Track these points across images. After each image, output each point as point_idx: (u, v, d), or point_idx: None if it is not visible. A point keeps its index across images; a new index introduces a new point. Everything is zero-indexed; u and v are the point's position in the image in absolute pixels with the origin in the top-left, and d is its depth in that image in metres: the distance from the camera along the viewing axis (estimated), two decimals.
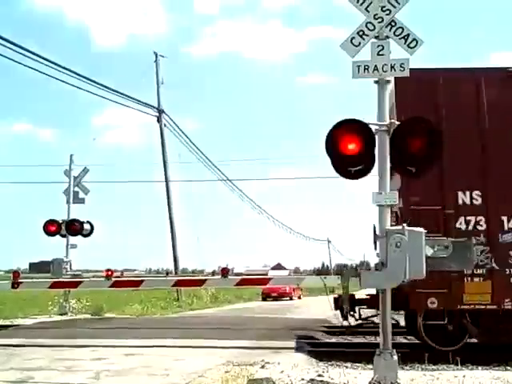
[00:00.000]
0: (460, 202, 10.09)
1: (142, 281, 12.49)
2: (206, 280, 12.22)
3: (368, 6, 7.15)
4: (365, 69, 7.00)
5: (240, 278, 11.92)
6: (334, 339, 13.36)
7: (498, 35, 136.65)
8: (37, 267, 18.38)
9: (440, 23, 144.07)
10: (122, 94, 26.69)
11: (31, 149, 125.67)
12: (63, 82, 20.29)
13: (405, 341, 13.07)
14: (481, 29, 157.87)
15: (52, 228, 19.39)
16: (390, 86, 7.17)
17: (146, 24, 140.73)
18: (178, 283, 13.96)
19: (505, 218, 10.05)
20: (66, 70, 19.74)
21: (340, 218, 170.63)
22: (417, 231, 6.67)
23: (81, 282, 12.97)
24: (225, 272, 11.50)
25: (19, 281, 12.13)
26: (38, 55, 17.60)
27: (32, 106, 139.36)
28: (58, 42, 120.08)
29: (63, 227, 19.55)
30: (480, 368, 9.76)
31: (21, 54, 16.67)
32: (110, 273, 12.19)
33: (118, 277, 13.42)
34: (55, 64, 18.73)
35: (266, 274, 47.23)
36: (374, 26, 7.09)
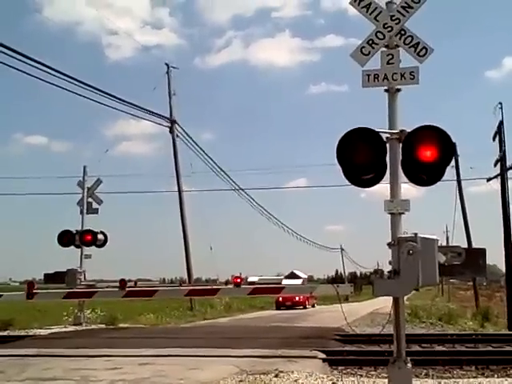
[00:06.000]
0: None
1: (156, 291, 12.53)
2: (218, 289, 12.19)
3: (377, 16, 7.17)
4: (375, 78, 7.02)
5: (253, 287, 11.88)
6: (347, 347, 13.31)
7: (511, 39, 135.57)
8: (51, 278, 18.47)
9: (450, 27, 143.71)
10: (134, 105, 26.93)
11: (45, 160, 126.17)
12: (77, 94, 20.54)
13: (419, 348, 13.02)
14: (492, 32, 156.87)
15: (66, 239, 19.52)
16: (400, 95, 7.17)
17: (157, 36, 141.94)
18: (191, 293, 13.97)
19: None
20: (79, 83, 19.98)
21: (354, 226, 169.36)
22: (429, 238, 6.65)
23: (95, 293, 13.02)
24: (237, 282, 11.49)
25: (34, 291, 12.19)
26: (52, 68, 17.84)
27: (45, 119, 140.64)
28: (70, 55, 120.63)
29: (77, 238, 19.67)
30: (496, 376, 9.71)
31: (34, 67, 16.93)
32: (123, 283, 12.24)
33: (132, 287, 13.46)
34: (68, 76, 18.96)
35: (280, 283, 46.99)
36: (384, 35, 7.10)
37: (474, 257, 7.04)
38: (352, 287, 12.60)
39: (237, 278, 11.64)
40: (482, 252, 7.23)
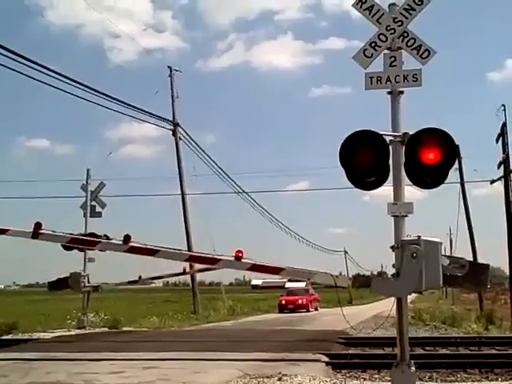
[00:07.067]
0: None
1: (158, 250, 12.42)
2: (220, 260, 12.18)
3: (380, 18, 7.19)
4: (377, 80, 7.02)
5: (252, 262, 11.87)
6: (351, 350, 13.27)
7: None
8: (55, 285, 18.53)
9: (452, 28, 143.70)
10: (137, 108, 26.98)
11: (47, 163, 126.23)
12: (79, 97, 20.57)
13: (423, 352, 12.99)
14: (495, 34, 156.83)
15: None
16: (403, 97, 7.17)
17: (160, 39, 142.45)
18: (192, 259, 14.02)
19: None
20: (82, 86, 20.00)
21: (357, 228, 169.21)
22: (433, 241, 6.64)
23: (98, 242, 12.98)
24: (239, 255, 11.48)
25: (40, 231, 12.12)
26: (54, 71, 17.85)
27: (49, 122, 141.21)
28: (73, 58, 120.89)
29: None
30: (500, 379, 9.67)
31: (38, 70, 16.95)
32: (127, 238, 12.12)
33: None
34: (71, 79, 18.97)
35: (283, 286, 46.94)
36: (386, 38, 7.12)
37: (476, 271, 7.01)
38: (350, 280, 12.68)
39: (238, 251, 11.63)
40: (485, 267, 7.20)
